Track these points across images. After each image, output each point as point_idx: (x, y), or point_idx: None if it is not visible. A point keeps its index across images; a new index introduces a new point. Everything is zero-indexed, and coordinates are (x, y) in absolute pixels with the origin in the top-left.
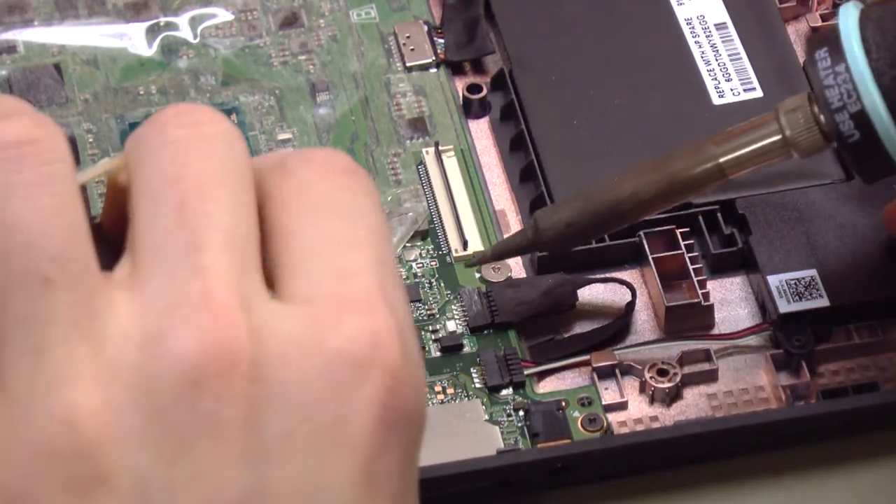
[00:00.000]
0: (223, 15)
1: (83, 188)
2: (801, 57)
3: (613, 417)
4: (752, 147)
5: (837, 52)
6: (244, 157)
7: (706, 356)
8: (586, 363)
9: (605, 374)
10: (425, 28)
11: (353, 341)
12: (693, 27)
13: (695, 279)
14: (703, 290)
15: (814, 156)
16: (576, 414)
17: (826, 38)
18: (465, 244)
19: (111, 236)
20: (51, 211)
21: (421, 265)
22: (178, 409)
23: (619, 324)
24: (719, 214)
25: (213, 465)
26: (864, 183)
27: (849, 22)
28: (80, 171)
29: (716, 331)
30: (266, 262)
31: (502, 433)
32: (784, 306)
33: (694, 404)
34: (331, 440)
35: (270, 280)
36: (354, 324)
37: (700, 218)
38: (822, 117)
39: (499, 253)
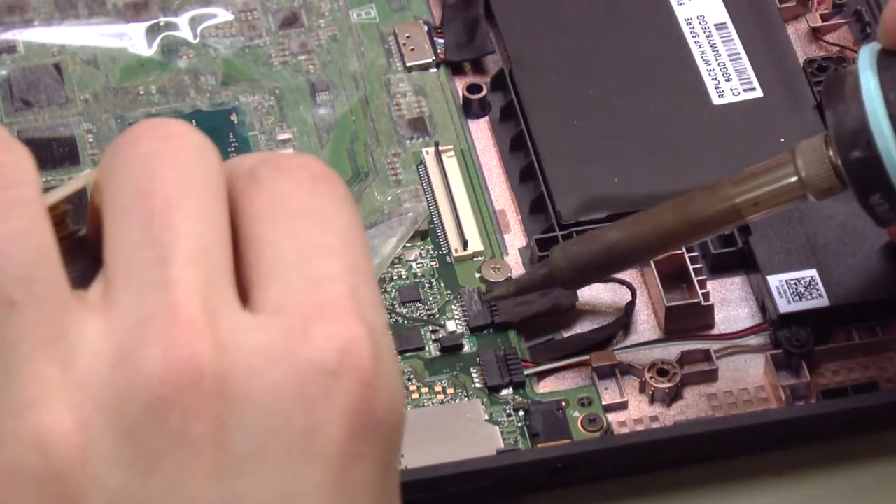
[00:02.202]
0: (223, 15)
1: (72, 200)
2: (802, 57)
3: (613, 417)
4: (768, 188)
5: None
6: (215, 169)
7: (706, 356)
8: (586, 363)
9: (605, 374)
10: (425, 28)
11: (322, 350)
12: (693, 27)
13: (695, 279)
14: (703, 290)
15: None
16: (576, 414)
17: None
18: (465, 244)
19: (96, 249)
20: (14, 234)
21: (421, 265)
22: (147, 427)
23: (619, 324)
24: None
25: (183, 481)
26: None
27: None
28: (57, 189)
29: (716, 331)
30: (241, 273)
31: (502, 433)
32: (784, 306)
33: (694, 404)
34: (302, 451)
35: (247, 291)
36: (324, 332)
37: None
38: (838, 160)
39: (521, 289)
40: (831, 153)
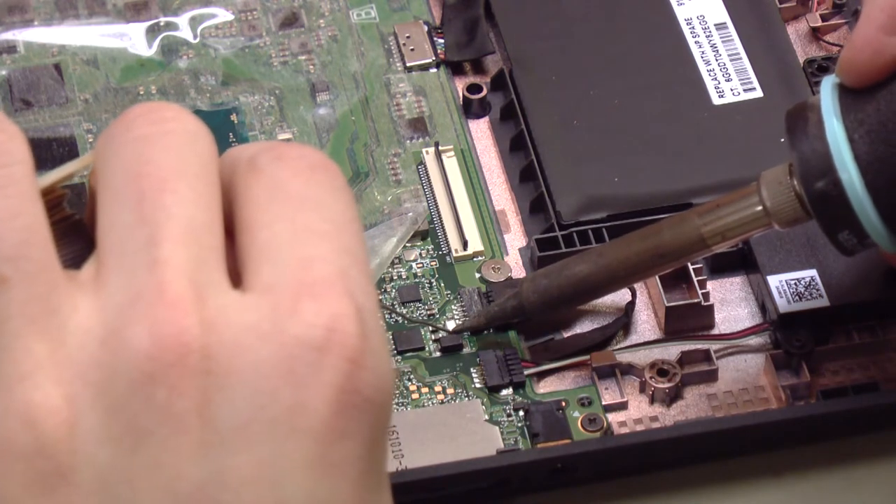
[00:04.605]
0: (223, 15)
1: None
2: (802, 57)
3: (613, 417)
4: (734, 218)
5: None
6: (209, 153)
7: (706, 356)
8: (586, 363)
9: (605, 374)
10: (425, 28)
11: (309, 326)
12: (693, 27)
13: (695, 279)
14: (703, 290)
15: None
16: (576, 414)
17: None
18: (465, 244)
19: (94, 233)
20: (5, 213)
21: (421, 265)
22: (134, 403)
23: (618, 324)
24: None
25: (170, 456)
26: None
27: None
28: (52, 171)
29: (716, 331)
30: (237, 256)
31: (502, 433)
32: (784, 306)
33: (694, 404)
34: (288, 427)
35: (240, 274)
36: (311, 309)
37: None
38: (802, 191)
39: (491, 320)
40: (796, 184)
